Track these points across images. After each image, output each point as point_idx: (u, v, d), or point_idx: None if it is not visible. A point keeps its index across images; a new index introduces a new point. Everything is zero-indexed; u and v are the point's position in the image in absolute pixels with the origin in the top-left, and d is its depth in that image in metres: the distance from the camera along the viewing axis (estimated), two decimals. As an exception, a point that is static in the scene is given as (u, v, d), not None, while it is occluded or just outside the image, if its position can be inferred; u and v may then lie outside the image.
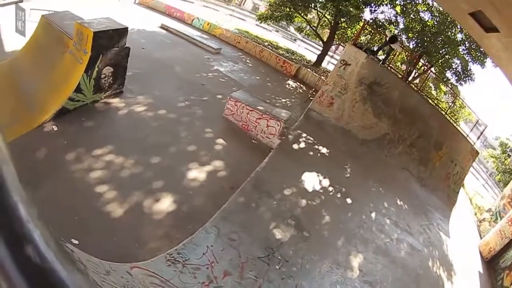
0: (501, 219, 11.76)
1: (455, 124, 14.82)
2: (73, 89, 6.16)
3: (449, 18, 15.78)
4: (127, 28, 7.09)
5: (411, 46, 18.32)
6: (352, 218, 7.31)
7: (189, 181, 5.98)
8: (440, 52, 17.21)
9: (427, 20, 16.95)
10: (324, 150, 9.46)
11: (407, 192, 10.45)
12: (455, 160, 12.80)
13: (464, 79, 17.43)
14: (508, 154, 21.11)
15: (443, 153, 12.72)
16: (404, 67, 19.23)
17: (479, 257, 10.42)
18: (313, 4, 18.45)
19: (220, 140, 7.58)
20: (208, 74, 11.33)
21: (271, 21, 20.39)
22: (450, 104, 18.66)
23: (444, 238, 9.35)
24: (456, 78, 17.60)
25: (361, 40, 17.39)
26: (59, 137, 5.71)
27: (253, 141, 8.34)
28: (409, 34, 17.96)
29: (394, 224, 8.18)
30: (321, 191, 7.39)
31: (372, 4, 17.67)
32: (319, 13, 19.62)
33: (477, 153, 13.68)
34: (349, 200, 7.83)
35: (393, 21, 18.04)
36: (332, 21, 19.05)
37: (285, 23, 21.24)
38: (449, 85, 18.01)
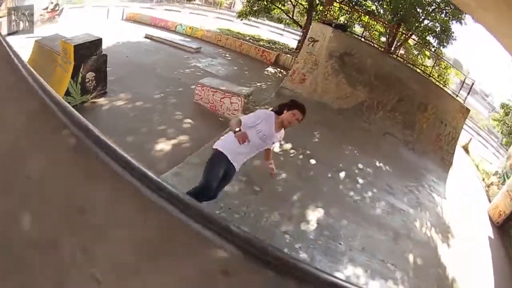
0: (508, 180, 11.63)
1: (439, 85, 15.40)
2: (63, 94, 7.56)
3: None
4: (101, 39, 8.53)
5: (388, 17, 19.10)
6: (314, 177, 7.64)
7: (156, 152, 7.04)
8: (416, 17, 17.90)
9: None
10: None
11: (391, 155, 10.71)
12: (444, 120, 13.12)
13: (447, 40, 18.03)
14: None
15: (430, 114, 13.10)
16: (384, 39, 20.09)
17: (488, 222, 10.43)
18: None
19: (188, 120, 8.50)
20: (185, 70, 12.30)
21: (250, 16, 21.63)
22: (434, 66, 19.35)
23: (438, 200, 9.49)
24: (438, 41, 18.22)
25: (340, 21, 18.30)
26: None
27: (220, 118, 9.05)
28: (384, 6, 18.87)
29: (369, 183, 8.38)
30: (280, 153, 7.85)
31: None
32: (293, 0, 20.84)
33: (468, 110, 13.97)
34: (312, 161, 8.20)
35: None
36: (307, 6, 20.15)
37: (264, 17, 22.49)
38: (431, 49, 18.60)
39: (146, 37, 16.88)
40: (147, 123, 8.07)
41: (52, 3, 15.49)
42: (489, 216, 10.89)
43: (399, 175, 9.69)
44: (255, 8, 20.84)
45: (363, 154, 9.86)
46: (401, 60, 18.80)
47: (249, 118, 3.62)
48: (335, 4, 18.58)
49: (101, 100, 8.70)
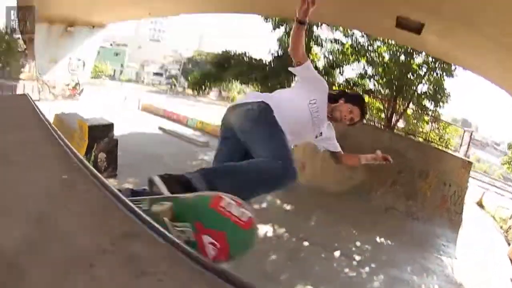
0: None
1: (440, 147, 16.18)
2: None
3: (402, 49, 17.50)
4: (112, 124, 10.18)
5: (385, 92, 19.79)
6: (305, 258, 8.08)
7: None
8: (410, 85, 18.34)
9: (388, 60, 18.50)
10: (288, 207, 10.95)
11: (393, 229, 11.03)
12: (448, 181, 13.40)
13: (442, 100, 18.20)
14: None
15: (432, 179, 13.50)
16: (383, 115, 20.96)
17: (510, 265, 10.51)
18: None
19: None
20: (192, 162, 13.79)
21: None
22: (433, 128, 19.82)
23: (447, 261, 9.75)
24: (433, 102, 18.41)
25: None
26: None
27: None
28: (380, 81, 19.61)
29: (367, 259, 8.69)
30: (273, 237, 8.58)
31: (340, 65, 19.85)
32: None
33: (470, 163, 14.33)
34: (305, 243, 8.70)
35: (363, 73, 19.79)
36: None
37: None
38: (429, 113, 18.98)
39: (159, 128, 18.62)
40: None
41: (73, 81, 17.18)
42: (510, 259, 10.93)
43: (402, 248, 9.93)
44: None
45: (361, 232, 10.25)
46: (401, 132, 19.76)
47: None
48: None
49: (111, 181, 9.71)
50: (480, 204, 17.88)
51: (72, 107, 12.48)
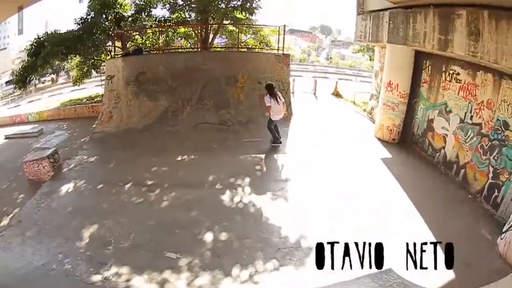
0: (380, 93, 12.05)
1: (261, 50, 17.25)
2: None
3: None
4: None
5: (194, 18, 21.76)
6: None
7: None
8: (216, 6, 19.62)
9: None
10: (93, 158, 11.91)
11: (203, 143, 11.99)
12: (264, 79, 13.66)
13: (251, 8, 20.01)
14: None
15: (243, 82, 14.14)
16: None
17: (379, 145, 11.18)
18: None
19: (22, 195, 10.97)
20: (26, 154, 14.84)
21: (84, 79, 24.69)
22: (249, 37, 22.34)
23: (270, 157, 10.69)
24: (247, 12, 20.22)
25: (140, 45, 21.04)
26: None
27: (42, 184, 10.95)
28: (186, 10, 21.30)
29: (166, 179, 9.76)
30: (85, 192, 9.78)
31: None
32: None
33: (287, 55, 14.86)
34: (99, 186, 9.88)
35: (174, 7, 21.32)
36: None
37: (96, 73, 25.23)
38: (241, 23, 20.66)
39: (5, 138, 19.60)
40: None
41: None
42: (378, 138, 11.51)
43: (219, 153, 11.18)
44: (85, 70, 23.84)
45: (167, 155, 11.31)
46: (219, 48, 21.49)
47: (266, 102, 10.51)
48: (134, 33, 21.77)
49: None
50: (336, 94, 19.02)
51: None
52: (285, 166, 10.14)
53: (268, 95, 10.42)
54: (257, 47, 20.91)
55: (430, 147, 9.99)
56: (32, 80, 21.38)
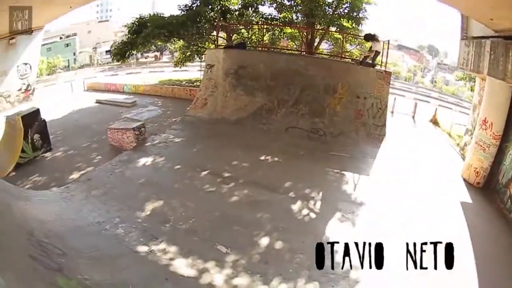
0: (475, 131, 10.92)
1: (349, 60, 16.34)
2: (19, 152, 11.34)
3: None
4: (38, 109, 12.40)
5: (300, 20, 21.45)
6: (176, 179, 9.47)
7: (72, 178, 10.01)
8: (324, 11, 19.30)
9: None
10: (179, 139, 12.24)
11: (291, 146, 11.80)
12: (362, 94, 13.44)
13: (358, 18, 19.21)
14: None
15: (341, 93, 13.61)
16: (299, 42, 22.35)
17: (463, 186, 10.14)
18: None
19: (99, 157, 11.58)
20: (114, 121, 15.55)
21: (185, 62, 24.97)
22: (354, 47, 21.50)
23: (354, 178, 10.04)
24: (353, 22, 19.43)
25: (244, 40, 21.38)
26: (16, 177, 10.42)
27: (123, 151, 11.62)
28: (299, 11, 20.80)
29: (238, 177, 9.58)
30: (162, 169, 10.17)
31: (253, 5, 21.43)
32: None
33: (388, 73, 13.98)
34: (177, 166, 10.13)
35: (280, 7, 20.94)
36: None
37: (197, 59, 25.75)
38: (348, 32, 19.90)
39: (96, 102, 20.87)
40: (72, 163, 11.33)
41: (24, 84, 19.57)
42: (464, 179, 10.49)
43: (304, 161, 10.86)
44: (187, 54, 24.33)
45: (252, 152, 11.29)
46: (323, 54, 21.12)
47: None
48: (241, 26, 22.04)
49: (47, 154, 12.28)
50: (434, 122, 17.78)
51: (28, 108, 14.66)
52: (364, 190, 9.53)
53: None
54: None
55: (509, 200, 8.56)
56: (131, 55, 22.24)
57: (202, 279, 5.89)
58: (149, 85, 24.43)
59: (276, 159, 11.06)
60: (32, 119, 12.03)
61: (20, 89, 18.87)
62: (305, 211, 8.28)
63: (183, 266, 6.12)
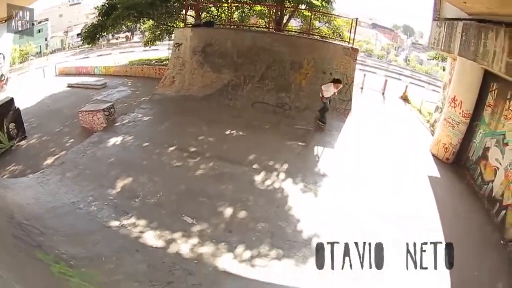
0: (444, 107, 11.36)
1: (317, 37, 16.72)
2: None
3: None
4: (12, 98, 12.57)
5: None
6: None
7: (45, 163, 10.50)
8: None
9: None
10: (147, 118, 12.58)
11: (255, 122, 12.23)
12: (328, 70, 13.86)
13: None
14: None
15: (307, 69, 14.01)
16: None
17: (432, 162, 10.53)
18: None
19: (72, 140, 12.05)
20: (85, 104, 15.55)
21: (155, 41, 25.49)
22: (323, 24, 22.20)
23: (317, 149, 10.56)
24: (323, 0, 19.82)
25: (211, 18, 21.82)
26: None
27: (94, 133, 11.86)
28: None
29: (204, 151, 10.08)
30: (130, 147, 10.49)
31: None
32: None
33: (355, 50, 14.38)
34: (145, 144, 10.51)
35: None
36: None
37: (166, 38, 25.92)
38: (317, 10, 20.14)
39: (68, 86, 21.08)
40: (46, 149, 11.73)
41: None
42: (434, 155, 10.87)
43: (268, 136, 11.34)
44: (157, 33, 24.79)
45: (218, 127, 11.72)
46: (291, 31, 21.62)
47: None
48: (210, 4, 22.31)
49: (23, 143, 12.59)
50: (405, 99, 18.38)
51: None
52: (327, 161, 9.92)
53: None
54: (330, 36, 20.18)
55: (480, 177, 8.98)
56: (101, 37, 22.21)
57: (170, 249, 6.27)
58: (119, 66, 24.76)
59: (241, 133, 11.46)
60: (6, 109, 12.25)
61: (-6, 80, 18.99)
62: (268, 182, 8.68)
63: (152, 238, 6.52)
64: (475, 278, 6.05)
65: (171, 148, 10.29)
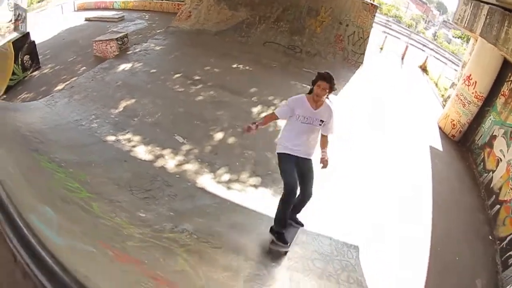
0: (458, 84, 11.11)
1: None
2: (10, 74, 12.18)
3: None
4: (28, 32, 12.96)
5: None
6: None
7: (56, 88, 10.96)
8: None
9: None
10: (159, 48, 12.89)
11: (265, 60, 12.44)
12: (345, 21, 13.85)
13: None
14: None
15: (324, 17, 14.02)
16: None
17: (437, 134, 10.27)
18: None
19: (84, 67, 12.22)
20: (100, 35, 16.54)
21: None
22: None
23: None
24: None
25: None
26: (6, 99, 11.07)
27: (106, 60, 12.27)
28: None
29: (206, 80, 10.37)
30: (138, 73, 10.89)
31: None
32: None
33: (375, 6, 14.25)
34: (153, 70, 10.89)
35: None
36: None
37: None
38: None
39: (85, 19, 21.34)
40: (58, 77, 12.08)
41: (15, 15, 20.13)
42: (440, 128, 10.71)
43: (273, 74, 11.58)
44: None
45: (226, 60, 12.01)
46: None
47: (281, 109, 4.19)
48: None
49: (36, 73, 12.98)
50: (424, 69, 17.95)
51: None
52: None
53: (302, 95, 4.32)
54: None
55: (482, 163, 8.65)
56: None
57: (157, 163, 6.62)
58: (138, 1, 24.61)
59: (247, 67, 11.66)
60: (21, 42, 12.65)
61: (11, 20, 19.39)
62: (263, 114, 8.75)
63: (142, 152, 6.88)
64: (457, 263, 5.87)
65: (176, 75, 10.61)
